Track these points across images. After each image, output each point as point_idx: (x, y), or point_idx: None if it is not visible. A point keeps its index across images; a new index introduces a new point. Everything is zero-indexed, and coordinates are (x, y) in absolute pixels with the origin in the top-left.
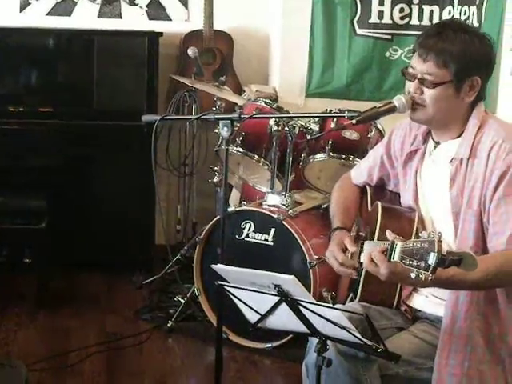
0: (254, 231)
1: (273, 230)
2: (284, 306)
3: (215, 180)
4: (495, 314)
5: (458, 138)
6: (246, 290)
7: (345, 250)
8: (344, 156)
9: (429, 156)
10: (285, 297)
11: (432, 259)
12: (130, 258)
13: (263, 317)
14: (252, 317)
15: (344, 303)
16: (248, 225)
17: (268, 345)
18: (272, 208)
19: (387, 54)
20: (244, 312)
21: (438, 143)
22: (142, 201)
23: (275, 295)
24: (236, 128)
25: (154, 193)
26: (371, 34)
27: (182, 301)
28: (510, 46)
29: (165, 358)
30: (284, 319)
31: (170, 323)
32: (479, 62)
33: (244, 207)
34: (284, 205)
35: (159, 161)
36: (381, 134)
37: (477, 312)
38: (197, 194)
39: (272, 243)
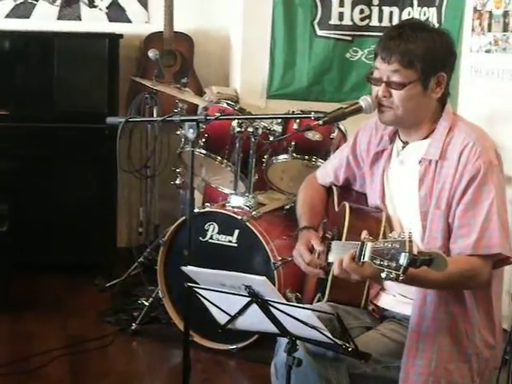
0: (218, 233)
1: (237, 232)
2: (254, 307)
3: (177, 182)
4: (462, 314)
5: (426, 138)
6: (217, 291)
7: (312, 249)
8: (307, 157)
9: (396, 156)
10: (255, 297)
11: (403, 259)
12: (92, 260)
13: (233, 318)
14: (221, 318)
15: (311, 303)
16: (212, 226)
17: (233, 346)
18: (236, 209)
19: (348, 55)
20: (213, 313)
21: (406, 143)
22: (104, 203)
23: (246, 296)
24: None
25: (115, 195)
26: (332, 36)
27: (146, 303)
28: (470, 47)
29: (129, 360)
30: (254, 320)
31: (134, 326)
32: (443, 58)
33: (208, 209)
34: (247, 206)
35: (121, 163)
36: (343, 135)
37: (444, 312)
38: (159, 196)
39: (236, 244)
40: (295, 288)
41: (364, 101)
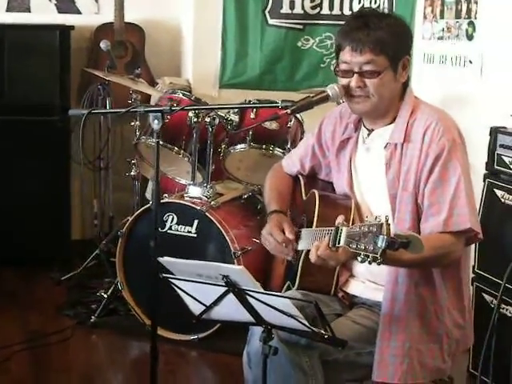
0: (177, 223)
1: (196, 222)
2: (231, 297)
3: (132, 173)
4: (431, 295)
5: (391, 124)
6: (193, 281)
7: (283, 231)
8: (264, 146)
9: (362, 144)
10: (232, 287)
11: (381, 242)
12: (47, 253)
13: (208, 308)
14: (196, 308)
15: (279, 292)
16: (171, 217)
17: (194, 336)
18: (194, 200)
19: (299, 43)
20: (188, 304)
21: (371, 131)
22: (58, 196)
23: (222, 286)
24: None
25: (69, 188)
26: (283, 24)
27: (105, 295)
28: (422, 34)
29: (90, 353)
30: (229, 309)
31: (93, 318)
32: (407, 41)
33: (166, 200)
34: (206, 196)
35: (73, 155)
36: (300, 124)
37: (414, 294)
38: (113, 187)
39: (195, 235)
40: (256, 277)
41: (331, 89)
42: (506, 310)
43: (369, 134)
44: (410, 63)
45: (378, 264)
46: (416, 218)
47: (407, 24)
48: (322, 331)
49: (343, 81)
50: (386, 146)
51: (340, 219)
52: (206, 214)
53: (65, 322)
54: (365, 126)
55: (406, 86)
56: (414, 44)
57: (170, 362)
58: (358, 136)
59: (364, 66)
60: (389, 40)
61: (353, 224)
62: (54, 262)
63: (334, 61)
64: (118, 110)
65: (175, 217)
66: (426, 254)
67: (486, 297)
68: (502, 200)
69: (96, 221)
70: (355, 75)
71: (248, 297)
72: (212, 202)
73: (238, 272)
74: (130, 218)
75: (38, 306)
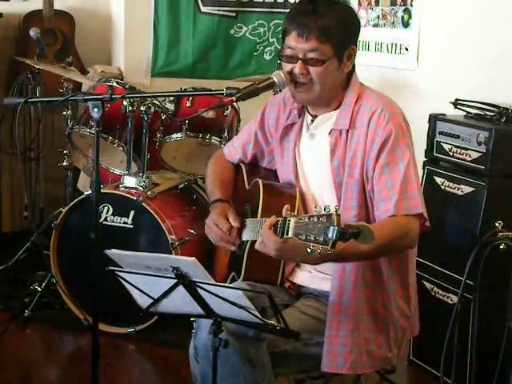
0: (113, 214)
1: (132, 213)
2: (180, 289)
3: (64, 164)
4: (378, 284)
5: (335, 110)
6: (141, 274)
7: (227, 220)
8: (201, 135)
9: (306, 131)
10: (182, 279)
11: (332, 233)
12: None
13: (156, 301)
14: (143, 302)
15: (223, 283)
16: (106, 208)
17: (131, 329)
18: (130, 190)
19: (232, 31)
20: (135, 297)
21: (315, 117)
22: None
23: (172, 278)
24: (82, 109)
25: None
26: (215, 12)
27: (39, 289)
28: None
29: (26, 348)
30: (178, 302)
31: (26, 312)
32: (354, 30)
33: (101, 190)
34: (141, 186)
35: (2, 146)
36: (236, 112)
37: (362, 282)
38: (43, 178)
39: (132, 226)
40: None
41: (277, 76)
42: (447, 297)
43: (313, 121)
44: (355, 53)
45: (328, 257)
46: (363, 205)
47: (355, 13)
48: (274, 323)
49: (287, 66)
50: (330, 133)
51: (285, 210)
52: (143, 204)
53: None
54: (308, 112)
55: (350, 74)
56: None
57: (106, 355)
58: (303, 122)
59: (308, 54)
60: (335, 28)
61: (298, 213)
62: None
63: (268, 48)
64: (56, 99)
65: (111, 208)
66: (382, 241)
67: (426, 284)
68: (442, 187)
69: (26, 212)
70: (299, 62)
71: (198, 289)
72: (148, 193)
73: (189, 263)
74: (64, 210)
75: None
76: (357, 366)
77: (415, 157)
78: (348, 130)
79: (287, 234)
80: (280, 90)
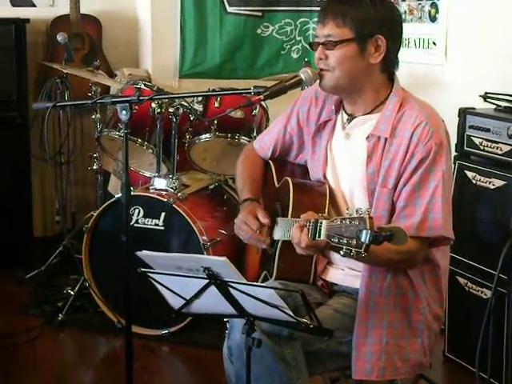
0: (144, 216)
1: (163, 214)
2: (212, 289)
3: (94, 167)
4: (410, 288)
5: (372, 112)
6: (173, 275)
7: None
8: (230, 135)
9: (342, 129)
10: (214, 279)
11: (365, 237)
12: (9, 252)
13: (188, 301)
14: (175, 303)
15: (256, 282)
16: (137, 210)
17: (164, 331)
18: (160, 192)
19: (258, 30)
20: (167, 298)
21: (351, 116)
22: (18, 193)
23: (204, 278)
24: (110, 112)
25: (30, 184)
26: (242, 12)
27: (72, 293)
28: None
29: (59, 352)
30: (210, 302)
31: (60, 316)
32: (380, 21)
33: (132, 193)
34: (172, 188)
35: (33, 151)
36: (265, 112)
37: (395, 286)
38: (74, 182)
39: (163, 227)
40: None
41: (304, 73)
42: (481, 292)
43: (349, 120)
44: (386, 45)
45: (363, 258)
46: (391, 215)
47: (392, 6)
48: (307, 321)
49: (315, 55)
50: (368, 137)
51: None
52: (174, 205)
53: (31, 321)
54: (345, 111)
55: (389, 75)
56: None
57: (140, 357)
58: (337, 120)
59: (327, 38)
60: (353, 14)
61: (328, 212)
62: (16, 260)
63: (295, 47)
64: (85, 102)
65: (142, 210)
66: (391, 255)
67: (460, 279)
68: (474, 181)
69: (58, 217)
70: (319, 46)
71: (230, 289)
72: (179, 194)
73: (220, 263)
74: (95, 213)
75: (2, 305)
76: (386, 373)
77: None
78: (387, 138)
79: (319, 237)
80: (307, 87)
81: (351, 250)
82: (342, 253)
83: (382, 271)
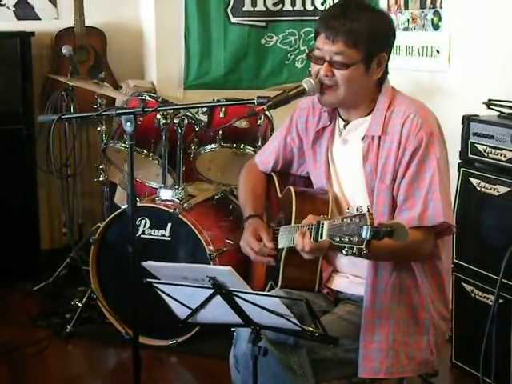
0: (150, 227)
1: (169, 225)
2: (218, 299)
3: (101, 179)
4: (414, 286)
5: (367, 115)
6: (178, 285)
7: (260, 238)
8: (235, 145)
9: (339, 135)
10: (220, 289)
11: (366, 233)
12: (16, 265)
13: (194, 311)
14: (182, 313)
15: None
16: (143, 221)
17: (172, 341)
18: (166, 203)
19: (263, 41)
20: (173, 308)
21: (347, 122)
22: (25, 205)
23: (209, 288)
24: (116, 124)
25: (36, 197)
26: (246, 22)
27: (80, 304)
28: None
29: (68, 364)
30: (216, 312)
31: (68, 328)
32: (385, 38)
33: (138, 204)
34: (178, 198)
35: (39, 163)
36: (269, 121)
37: (398, 285)
38: (81, 194)
39: (169, 238)
40: None
41: (307, 83)
42: (488, 298)
43: (345, 126)
44: (386, 61)
45: (365, 255)
46: (392, 210)
47: (390, 20)
48: (312, 329)
49: (314, 67)
50: (363, 138)
51: (314, 217)
52: (180, 216)
53: (39, 333)
54: (340, 117)
55: (382, 79)
56: None
57: (148, 368)
58: (334, 127)
59: (335, 56)
60: (365, 34)
61: (331, 217)
62: (23, 272)
63: (299, 56)
64: (90, 114)
65: (148, 221)
66: (396, 248)
67: (466, 286)
68: (478, 188)
69: (65, 229)
70: (325, 63)
71: (236, 298)
72: (185, 205)
73: (225, 273)
74: (102, 225)
75: (10, 317)
76: (394, 371)
77: (448, 159)
78: (380, 136)
79: (321, 238)
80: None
81: (353, 248)
82: (344, 252)
83: (387, 268)
